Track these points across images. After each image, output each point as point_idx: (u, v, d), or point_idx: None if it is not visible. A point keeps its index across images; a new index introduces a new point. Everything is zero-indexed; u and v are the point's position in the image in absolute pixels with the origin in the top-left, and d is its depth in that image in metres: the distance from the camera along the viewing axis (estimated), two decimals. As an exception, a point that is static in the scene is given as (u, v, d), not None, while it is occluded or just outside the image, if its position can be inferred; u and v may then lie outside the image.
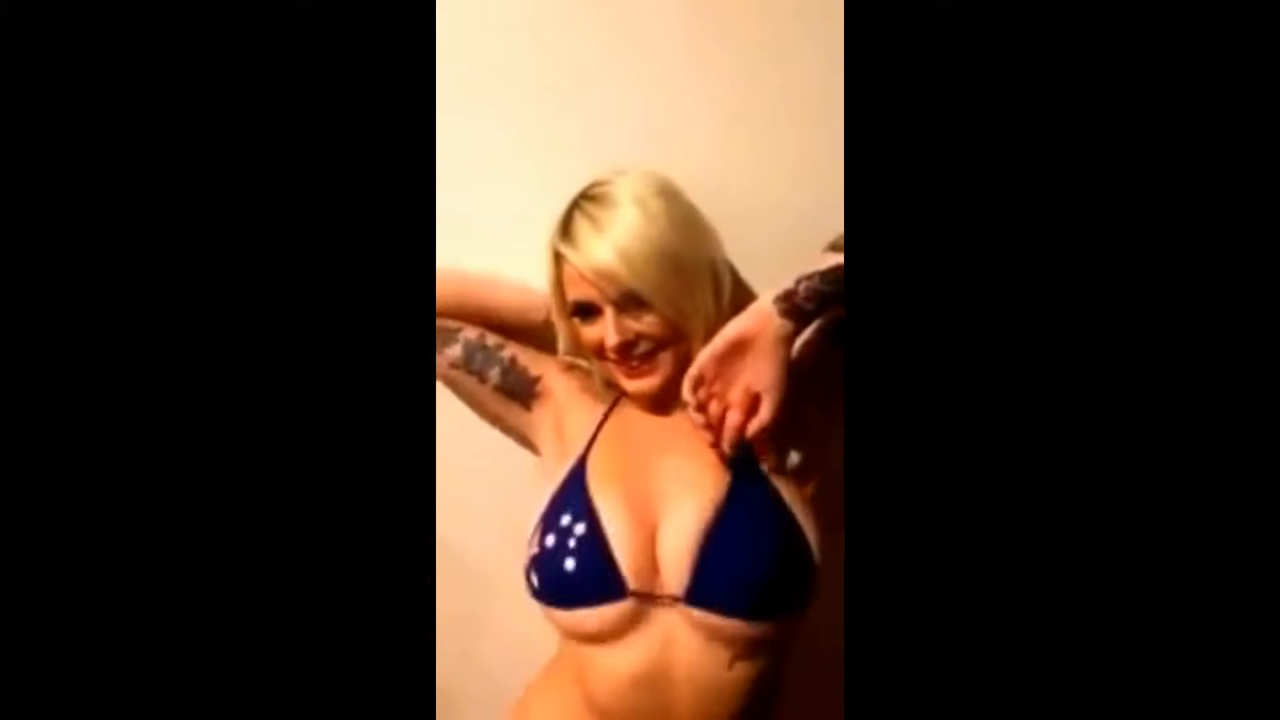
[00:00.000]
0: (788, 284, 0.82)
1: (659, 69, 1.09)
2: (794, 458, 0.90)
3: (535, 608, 0.91)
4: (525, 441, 1.02)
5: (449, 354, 0.97)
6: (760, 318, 0.83)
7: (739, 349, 0.83)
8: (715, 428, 0.85)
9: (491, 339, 0.98)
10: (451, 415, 0.99)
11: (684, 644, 0.84)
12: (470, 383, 0.98)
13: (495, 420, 1.01)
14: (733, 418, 0.84)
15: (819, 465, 0.91)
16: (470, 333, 0.98)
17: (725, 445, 0.85)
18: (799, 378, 0.90)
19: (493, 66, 1.09)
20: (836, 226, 0.85)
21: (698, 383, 0.84)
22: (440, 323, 0.98)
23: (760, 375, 0.83)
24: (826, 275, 0.81)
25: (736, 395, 0.84)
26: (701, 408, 0.85)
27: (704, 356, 0.84)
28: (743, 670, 0.84)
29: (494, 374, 0.97)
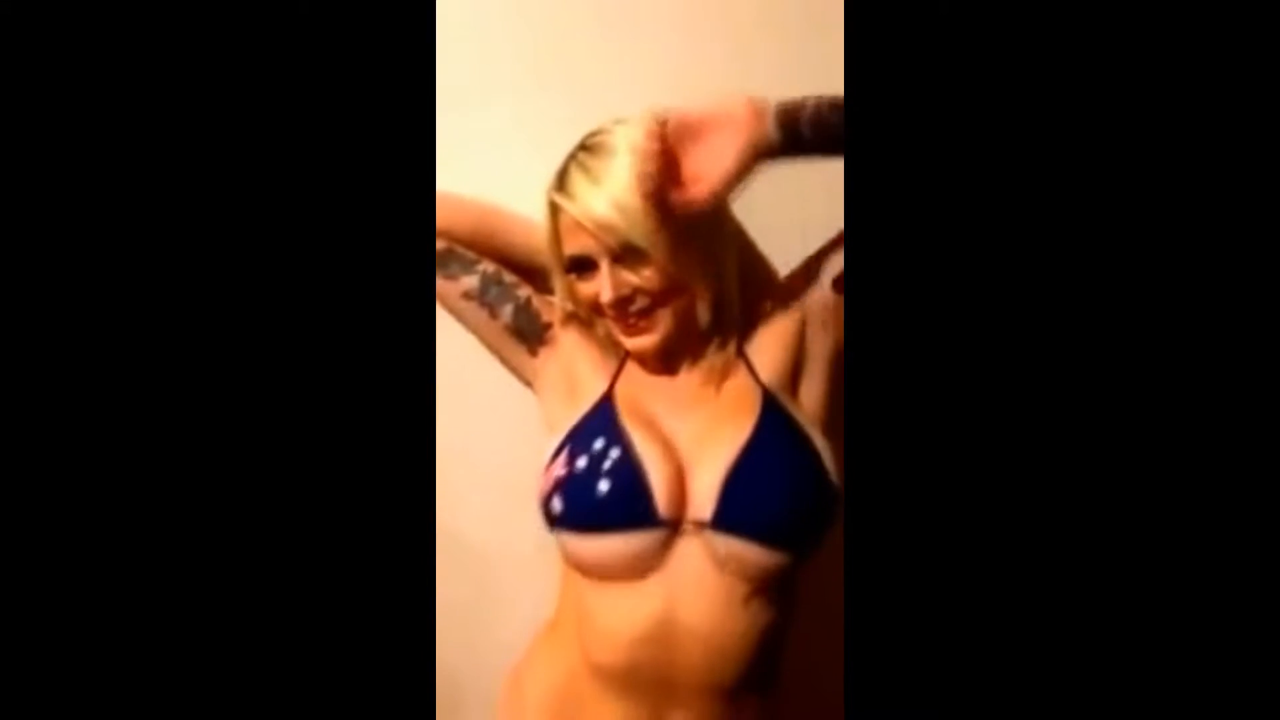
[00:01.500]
0: (796, 98, 0.78)
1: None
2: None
3: (540, 593, 0.91)
4: (526, 383, 1.00)
5: (464, 283, 0.95)
6: (754, 113, 0.78)
7: (714, 126, 0.79)
8: (654, 174, 0.80)
9: (509, 276, 0.96)
10: (453, 405, 0.98)
11: (698, 587, 0.83)
12: (481, 316, 0.96)
13: (498, 355, 0.99)
14: (665, 190, 0.80)
15: (839, 403, 0.91)
16: (488, 265, 0.96)
17: (652, 202, 0.80)
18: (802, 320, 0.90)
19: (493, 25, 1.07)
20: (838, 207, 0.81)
21: (661, 126, 0.80)
22: (459, 250, 0.96)
23: (717, 161, 0.78)
24: (838, 104, 0.76)
25: (683, 171, 0.80)
26: (653, 144, 0.79)
27: (679, 113, 0.79)
28: (754, 616, 0.84)
29: (507, 311, 0.95)
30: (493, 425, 1.10)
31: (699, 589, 0.83)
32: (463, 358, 0.98)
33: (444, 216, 0.95)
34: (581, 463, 0.85)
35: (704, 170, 0.79)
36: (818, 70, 0.88)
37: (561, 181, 0.86)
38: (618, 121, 0.87)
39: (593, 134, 0.88)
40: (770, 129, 0.78)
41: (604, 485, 0.83)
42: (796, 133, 0.77)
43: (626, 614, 0.84)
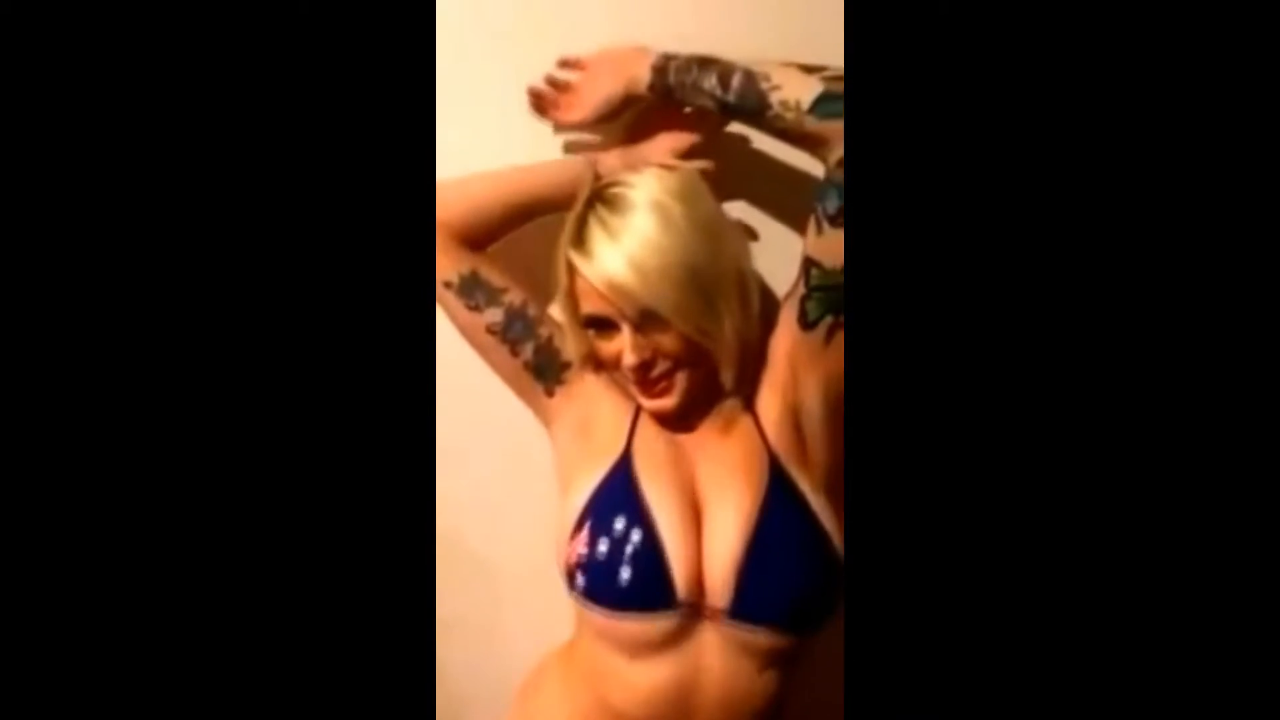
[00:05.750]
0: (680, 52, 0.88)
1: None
2: None
3: (546, 606, 0.91)
4: (541, 421, 0.99)
5: (488, 316, 0.92)
6: (636, 57, 0.90)
7: (604, 66, 0.93)
8: (544, 96, 0.96)
9: (533, 309, 0.94)
10: (456, 407, 0.97)
11: (716, 658, 0.85)
12: (502, 352, 0.94)
13: (513, 390, 0.97)
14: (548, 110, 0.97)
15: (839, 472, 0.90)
16: (515, 296, 0.93)
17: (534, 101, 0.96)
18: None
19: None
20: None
21: (572, 64, 0.95)
22: (484, 277, 0.93)
23: (592, 94, 0.93)
24: (706, 62, 0.85)
25: (571, 99, 0.95)
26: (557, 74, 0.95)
27: (598, 54, 0.94)
28: (767, 681, 0.86)
29: (527, 349, 0.93)
30: (495, 428, 1.08)
31: (718, 663, 0.85)
32: (464, 359, 0.97)
33: (442, 206, 0.91)
34: (603, 546, 0.84)
35: (582, 100, 0.94)
36: (817, 43, 0.86)
37: (579, 236, 0.84)
38: (635, 170, 0.87)
39: (611, 184, 0.85)
40: (644, 71, 0.89)
41: (626, 573, 0.83)
42: (664, 78, 0.89)
43: (645, 674, 0.85)
